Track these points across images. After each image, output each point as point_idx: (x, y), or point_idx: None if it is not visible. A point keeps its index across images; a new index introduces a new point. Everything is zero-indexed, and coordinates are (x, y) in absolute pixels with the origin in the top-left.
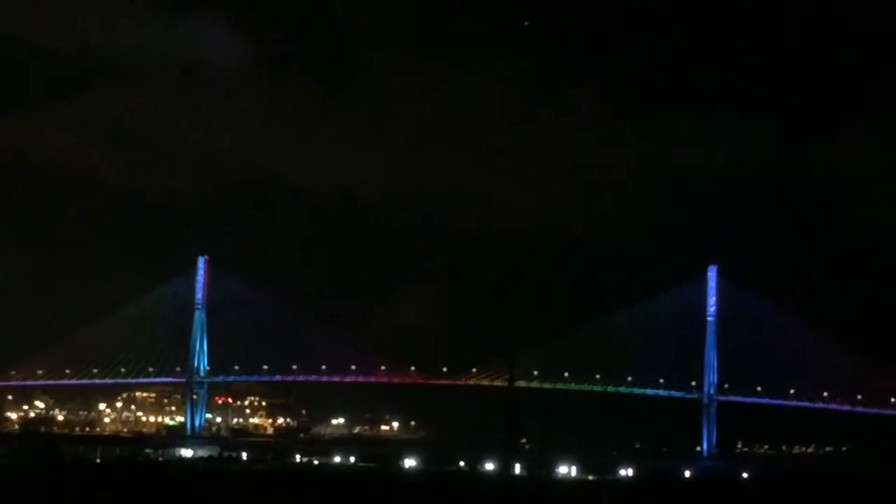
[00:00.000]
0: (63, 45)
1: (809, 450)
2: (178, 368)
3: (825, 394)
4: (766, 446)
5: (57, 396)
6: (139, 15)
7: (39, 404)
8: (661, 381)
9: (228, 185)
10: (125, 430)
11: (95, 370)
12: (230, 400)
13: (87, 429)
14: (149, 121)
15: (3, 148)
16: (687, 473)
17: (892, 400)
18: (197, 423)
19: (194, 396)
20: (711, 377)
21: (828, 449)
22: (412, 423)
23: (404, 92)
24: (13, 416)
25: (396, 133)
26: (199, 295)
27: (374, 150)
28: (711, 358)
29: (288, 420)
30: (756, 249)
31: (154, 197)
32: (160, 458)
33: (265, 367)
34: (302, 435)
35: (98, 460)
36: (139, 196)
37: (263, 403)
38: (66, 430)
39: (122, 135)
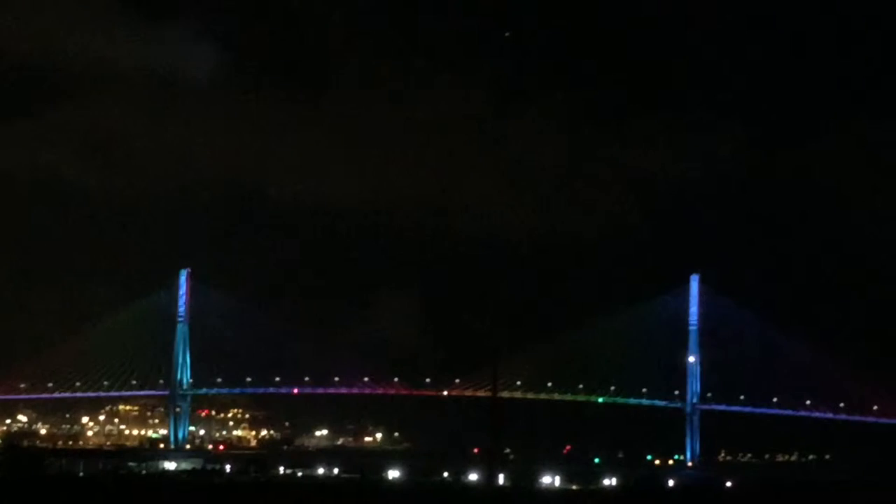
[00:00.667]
0: (35, 57)
1: (793, 457)
2: (161, 381)
3: (808, 402)
4: (749, 454)
5: (40, 410)
6: (111, 25)
7: (22, 418)
8: (644, 390)
9: (205, 196)
10: (108, 443)
11: (78, 383)
12: (213, 413)
13: (71, 442)
14: (123, 131)
15: None
16: (671, 482)
17: (874, 408)
18: (180, 435)
19: (177, 409)
20: (694, 386)
21: (811, 457)
22: (396, 433)
23: (377, 101)
24: None
25: (369, 142)
26: (181, 308)
27: (347, 159)
28: (694, 367)
29: (271, 432)
30: (737, 258)
31: (132, 208)
32: (143, 471)
33: (248, 379)
34: (285, 447)
35: (81, 473)
36: (117, 207)
37: (247, 416)
38: (50, 444)
39: (97, 146)
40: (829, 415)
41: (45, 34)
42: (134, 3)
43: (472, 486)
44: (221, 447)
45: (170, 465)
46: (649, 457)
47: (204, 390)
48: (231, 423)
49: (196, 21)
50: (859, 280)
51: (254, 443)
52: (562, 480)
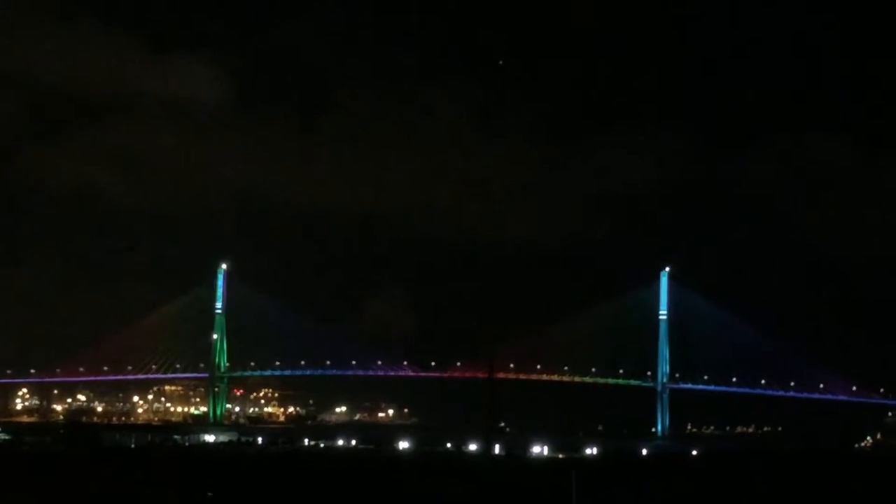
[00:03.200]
0: (64, 84)
1: (750, 430)
2: (201, 365)
3: (762, 381)
4: (712, 427)
5: (96, 390)
6: (132, 55)
7: (81, 397)
8: (621, 371)
9: (229, 205)
10: (156, 419)
11: (130, 367)
12: (247, 392)
13: (123, 418)
14: (145, 149)
15: (25, 176)
16: (644, 451)
17: (820, 386)
18: (218, 412)
19: (216, 389)
20: (664, 368)
21: (766, 429)
22: (405, 410)
23: (372, 121)
24: (58, 407)
25: (366, 157)
26: (219, 301)
27: (351, 171)
28: (664, 351)
29: (297, 409)
30: (700, 254)
31: (163, 215)
32: (186, 443)
33: (277, 363)
34: (309, 422)
35: (132, 445)
36: (156, 215)
37: (276, 394)
38: (105, 420)
39: (125, 162)
40: (781, 392)
41: (71, 64)
42: (151, 36)
43: (471, 455)
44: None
45: (209, 438)
46: (625, 429)
47: (239, 372)
48: (262, 401)
49: (206, 50)
50: (806, 272)
51: (282, 418)
52: (550, 449)
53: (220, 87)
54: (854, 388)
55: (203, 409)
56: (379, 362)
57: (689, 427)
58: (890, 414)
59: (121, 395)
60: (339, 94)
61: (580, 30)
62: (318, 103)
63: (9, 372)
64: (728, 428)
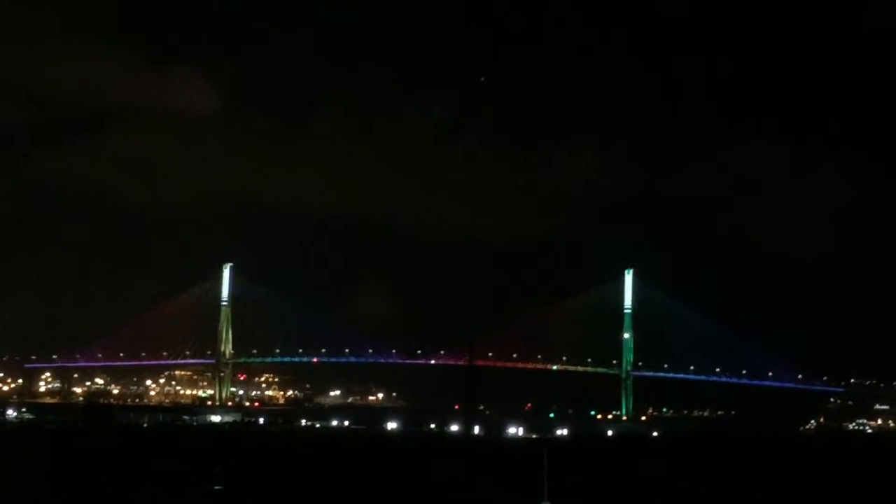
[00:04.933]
0: (71, 97)
1: (705, 413)
2: (208, 352)
3: (717, 369)
4: (671, 410)
5: (113, 374)
6: (134, 70)
7: (99, 381)
8: (589, 360)
9: (226, 206)
10: (167, 400)
11: (143, 353)
12: (249, 377)
13: (137, 400)
14: (149, 154)
15: (39, 179)
16: (609, 432)
17: (769, 374)
18: (223, 395)
19: (221, 374)
20: (628, 357)
21: (720, 412)
22: (394, 394)
23: (355, 129)
24: (78, 390)
25: (346, 163)
26: (224, 294)
27: (336, 176)
28: (628, 342)
29: (295, 392)
30: (660, 254)
31: (169, 216)
32: (194, 423)
33: (277, 350)
34: (307, 404)
35: (145, 424)
36: (159, 216)
37: (276, 379)
38: (120, 401)
39: (131, 167)
40: (734, 379)
41: (78, 79)
42: (152, 52)
43: (453, 434)
44: (256, 404)
45: (215, 418)
46: (593, 412)
47: (242, 359)
48: (263, 385)
49: (200, 64)
50: (754, 270)
51: (282, 400)
52: (524, 430)
53: (212, 98)
54: (800, 377)
55: (210, 391)
56: (370, 350)
57: (650, 410)
58: (832, 399)
59: (135, 378)
60: (322, 106)
61: (538, 55)
62: (304, 113)
63: (33, 357)
64: (686, 411)
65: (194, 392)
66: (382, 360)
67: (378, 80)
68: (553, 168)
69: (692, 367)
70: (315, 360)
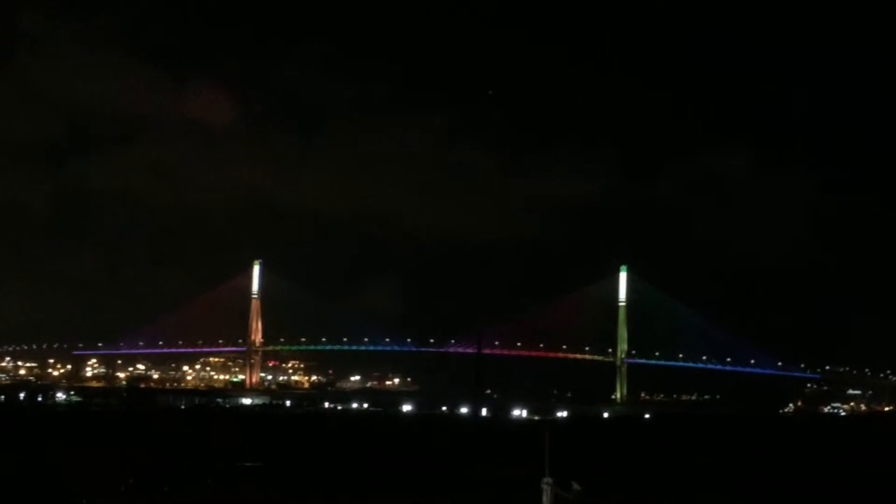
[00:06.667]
0: (94, 108)
1: (693, 397)
2: (240, 340)
3: (704, 357)
4: (661, 395)
5: (153, 361)
6: (152, 82)
7: (140, 367)
8: (587, 348)
9: (251, 207)
10: (202, 385)
11: (181, 342)
12: (277, 363)
13: (175, 384)
14: (169, 161)
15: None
16: (605, 415)
17: (752, 361)
18: (254, 380)
19: (252, 361)
20: (623, 346)
21: (706, 397)
22: (408, 379)
23: (363, 138)
24: (121, 375)
25: (356, 169)
26: (255, 288)
27: (347, 181)
28: (623, 332)
29: (319, 377)
30: (653, 252)
31: (197, 217)
32: (227, 405)
33: (303, 339)
34: (329, 388)
35: (182, 406)
36: (189, 217)
37: (302, 365)
38: (160, 386)
39: (154, 173)
40: (719, 366)
41: (100, 90)
42: (169, 65)
43: (463, 416)
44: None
45: (246, 401)
46: (590, 396)
47: (271, 347)
48: (290, 371)
49: (219, 78)
50: (742, 268)
51: (307, 385)
52: (528, 413)
53: (231, 109)
54: (780, 364)
55: (241, 377)
56: (387, 339)
57: (642, 395)
58: (809, 385)
59: (173, 364)
60: (332, 117)
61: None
62: (316, 124)
63: (80, 345)
64: (675, 396)
65: (227, 377)
66: (398, 349)
67: (383, 91)
68: (552, 171)
69: (681, 355)
70: (337, 347)
